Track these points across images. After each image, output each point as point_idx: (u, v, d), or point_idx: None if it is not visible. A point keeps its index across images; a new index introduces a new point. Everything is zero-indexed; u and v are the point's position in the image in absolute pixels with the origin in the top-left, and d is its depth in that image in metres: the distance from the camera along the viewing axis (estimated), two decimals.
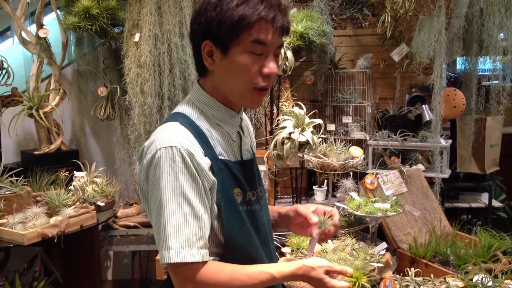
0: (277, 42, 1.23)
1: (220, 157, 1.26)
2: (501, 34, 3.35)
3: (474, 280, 2.08)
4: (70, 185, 3.08)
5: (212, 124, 1.29)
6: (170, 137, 1.18)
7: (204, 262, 1.18)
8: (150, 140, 1.22)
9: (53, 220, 2.66)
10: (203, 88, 1.30)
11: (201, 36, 1.23)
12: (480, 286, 2.03)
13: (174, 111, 1.31)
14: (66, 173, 3.15)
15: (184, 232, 1.14)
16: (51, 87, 3.50)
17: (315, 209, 1.48)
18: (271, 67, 1.23)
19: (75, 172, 3.15)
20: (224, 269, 1.20)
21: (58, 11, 3.53)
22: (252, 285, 1.20)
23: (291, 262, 1.27)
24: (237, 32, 1.18)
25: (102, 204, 3.04)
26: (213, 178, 1.22)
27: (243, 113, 1.44)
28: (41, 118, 3.32)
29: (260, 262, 1.33)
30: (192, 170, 1.17)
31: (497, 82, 3.42)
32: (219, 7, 1.18)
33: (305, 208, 1.48)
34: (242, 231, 1.28)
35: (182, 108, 1.30)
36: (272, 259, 1.42)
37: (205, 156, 1.22)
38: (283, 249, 2.45)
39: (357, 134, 3.58)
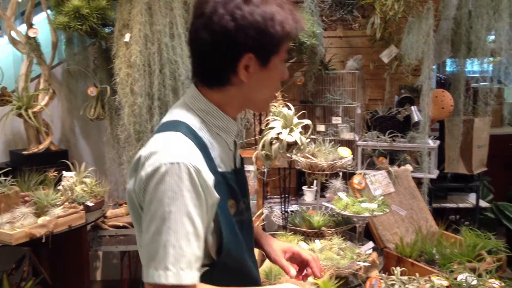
0: None
1: (219, 169, 1.22)
2: (491, 37, 3.38)
3: (458, 279, 2.10)
4: (59, 185, 3.08)
5: (212, 134, 1.24)
6: (176, 151, 1.12)
7: (195, 285, 1.13)
8: (150, 151, 1.14)
9: (41, 220, 2.66)
10: (205, 96, 1.24)
11: (243, 49, 1.16)
12: (465, 285, 2.05)
13: (173, 119, 1.23)
14: (55, 173, 3.14)
15: (186, 253, 1.09)
16: (41, 87, 3.49)
17: (291, 254, 1.50)
18: (286, 72, 1.27)
19: (64, 172, 3.15)
20: None
21: (48, 11, 3.53)
22: None
23: (267, 287, 1.25)
24: (281, 45, 1.19)
25: (91, 204, 3.03)
26: (216, 195, 1.17)
27: None
28: (30, 118, 3.31)
29: (247, 269, 1.33)
30: (198, 187, 1.11)
31: (485, 83, 3.46)
32: (269, 21, 1.15)
33: (280, 256, 1.49)
34: (235, 243, 1.26)
35: (182, 116, 1.23)
36: (255, 264, 1.42)
37: (209, 170, 1.17)
38: None
39: (347, 135, 3.60)
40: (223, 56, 1.17)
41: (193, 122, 1.22)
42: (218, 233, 1.21)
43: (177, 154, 1.11)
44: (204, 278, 1.17)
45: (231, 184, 1.25)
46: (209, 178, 1.15)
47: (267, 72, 1.21)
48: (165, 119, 1.25)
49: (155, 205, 1.10)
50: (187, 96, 1.28)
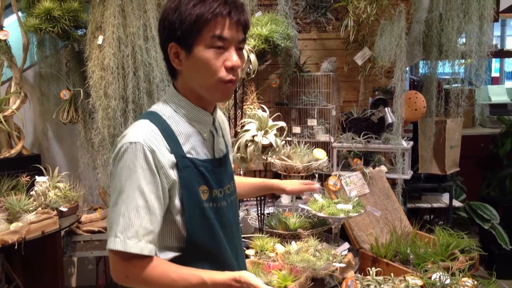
0: (237, 36, 1.30)
1: (188, 155, 1.31)
2: (462, 39, 3.44)
3: (432, 278, 2.13)
4: (32, 190, 3.02)
5: (183, 123, 1.34)
6: (137, 133, 1.25)
7: (147, 257, 1.24)
8: (122, 135, 1.29)
9: (13, 226, 2.61)
10: (176, 89, 1.36)
11: (166, 40, 1.30)
12: (438, 284, 2.08)
13: (149, 110, 1.37)
14: (27, 178, 3.09)
15: (134, 224, 1.21)
16: (12, 90, 3.43)
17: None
18: (233, 60, 1.29)
19: (36, 177, 3.10)
20: (159, 266, 1.26)
21: (19, 13, 3.46)
22: (181, 285, 1.25)
23: (225, 272, 1.29)
24: (197, 30, 1.26)
25: (65, 209, 2.99)
26: (173, 177, 1.27)
27: (220, 114, 1.52)
28: (1, 122, 3.25)
29: (224, 257, 1.38)
30: (152, 166, 1.24)
31: (457, 85, 3.52)
32: (178, 10, 1.26)
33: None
34: (204, 227, 1.32)
35: (156, 107, 1.36)
36: (238, 254, 1.46)
37: (171, 153, 1.28)
38: (247, 252, 2.46)
39: (322, 137, 3.62)
40: (162, 50, 1.35)
41: (164, 111, 1.34)
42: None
43: (136, 135, 1.25)
44: (176, 262, 1.29)
45: (202, 170, 1.33)
46: (166, 159, 1.26)
47: (194, 58, 1.28)
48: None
49: (115, 180, 1.25)
50: (166, 92, 1.41)
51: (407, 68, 4.35)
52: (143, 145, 1.23)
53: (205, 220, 1.33)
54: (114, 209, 1.23)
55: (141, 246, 1.22)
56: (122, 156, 1.24)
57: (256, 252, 2.47)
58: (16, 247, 2.51)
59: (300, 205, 2.92)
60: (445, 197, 3.97)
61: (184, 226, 1.30)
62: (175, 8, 1.27)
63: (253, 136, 2.41)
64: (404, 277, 2.16)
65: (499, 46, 6.64)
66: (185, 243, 1.31)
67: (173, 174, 1.27)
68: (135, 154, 1.23)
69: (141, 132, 1.26)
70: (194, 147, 1.34)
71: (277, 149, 2.44)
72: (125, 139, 1.26)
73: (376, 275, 2.17)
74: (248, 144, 2.41)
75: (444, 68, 3.63)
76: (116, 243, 1.21)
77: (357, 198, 2.75)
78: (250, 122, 2.49)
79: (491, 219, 4.13)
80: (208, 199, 1.33)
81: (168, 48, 1.31)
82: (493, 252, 4.00)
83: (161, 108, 1.36)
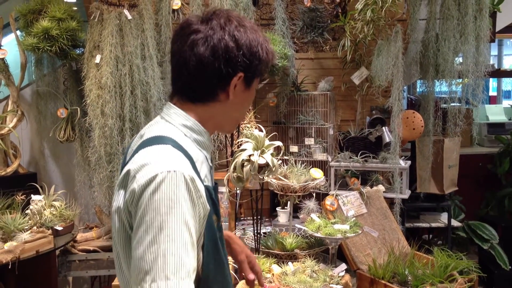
0: None
1: (204, 183, 1.23)
2: (459, 59, 3.45)
3: None
4: (27, 209, 3.00)
5: (194, 148, 1.26)
6: (170, 160, 1.13)
7: None
8: (140, 163, 1.14)
9: (7, 245, 2.59)
10: (186, 112, 1.27)
11: (238, 67, 1.23)
12: None
13: (155, 134, 1.23)
14: (23, 197, 3.07)
15: (185, 263, 1.07)
16: (9, 109, 3.43)
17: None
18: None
19: (32, 195, 3.08)
20: None
21: (17, 32, 3.48)
22: None
23: None
24: (265, 69, 1.32)
25: (60, 228, 2.97)
26: (208, 206, 1.18)
27: None
28: None
29: (227, 285, 1.32)
30: (193, 196, 1.13)
31: (455, 104, 3.52)
32: (261, 47, 1.27)
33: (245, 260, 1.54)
34: (218, 259, 1.26)
35: (165, 131, 1.23)
36: (231, 282, 1.42)
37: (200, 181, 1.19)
38: None
39: (320, 156, 3.61)
40: (220, 72, 1.22)
41: (177, 136, 1.23)
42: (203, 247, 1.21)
43: (171, 163, 1.12)
44: None
45: (214, 198, 1.27)
46: (202, 189, 1.17)
47: (248, 92, 1.30)
48: (147, 135, 1.24)
49: (150, 215, 1.07)
50: (165, 113, 1.29)
51: (405, 87, 4.36)
52: (184, 173, 1.11)
53: (218, 252, 1.26)
54: (154, 248, 1.05)
55: (191, 286, 1.08)
56: (159, 186, 1.08)
57: None
58: (10, 267, 2.49)
59: (297, 225, 2.90)
60: (444, 217, 3.94)
61: (201, 260, 1.21)
62: (260, 43, 1.27)
63: (250, 156, 2.40)
64: None
65: (496, 66, 6.69)
66: (197, 281, 1.19)
67: (208, 203, 1.19)
68: (176, 184, 1.09)
69: (175, 159, 1.14)
70: (206, 174, 1.28)
71: (273, 169, 2.43)
72: (156, 167, 1.11)
73: None
74: (245, 164, 2.40)
75: (441, 87, 3.64)
76: (169, 287, 1.04)
77: (354, 218, 2.73)
78: (247, 141, 2.48)
79: (490, 239, 4.11)
80: (217, 228, 1.27)
81: (234, 75, 1.23)
82: (492, 272, 3.96)
83: (172, 132, 1.23)
